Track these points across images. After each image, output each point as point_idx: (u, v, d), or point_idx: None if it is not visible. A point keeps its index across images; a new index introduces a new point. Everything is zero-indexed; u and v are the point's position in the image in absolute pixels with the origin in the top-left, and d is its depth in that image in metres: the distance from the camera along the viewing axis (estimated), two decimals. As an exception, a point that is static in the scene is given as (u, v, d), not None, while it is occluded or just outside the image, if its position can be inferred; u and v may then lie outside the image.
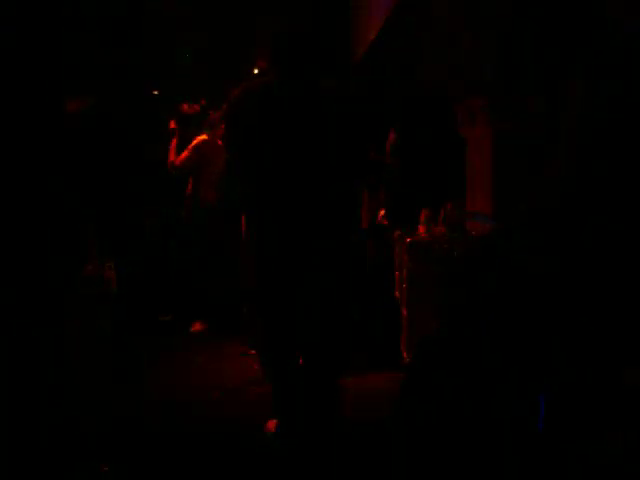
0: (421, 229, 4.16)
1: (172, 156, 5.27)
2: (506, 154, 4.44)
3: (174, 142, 5.33)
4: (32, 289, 0.74)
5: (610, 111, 1.53)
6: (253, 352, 4.46)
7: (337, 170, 2.77)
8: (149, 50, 7.06)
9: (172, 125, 5.39)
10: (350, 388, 3.62)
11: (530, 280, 1.62)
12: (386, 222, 4.44)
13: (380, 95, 3.03)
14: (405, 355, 3.89)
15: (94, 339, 2.58)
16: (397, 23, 6.49)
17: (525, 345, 1.67)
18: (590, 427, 1.63)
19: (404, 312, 3.93)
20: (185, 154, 5.23)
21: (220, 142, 5.12)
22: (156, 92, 7.59)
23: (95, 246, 4.26)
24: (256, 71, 2.99)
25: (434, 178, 5.04)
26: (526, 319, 1.64)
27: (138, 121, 5.56)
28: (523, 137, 4.42)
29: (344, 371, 3.03)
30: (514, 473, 2.22)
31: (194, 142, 5.28)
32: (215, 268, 5.40)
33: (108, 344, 1.03)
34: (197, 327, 5.33)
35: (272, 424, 2.86)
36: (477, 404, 1.69)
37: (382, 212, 4.72)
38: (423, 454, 1.66)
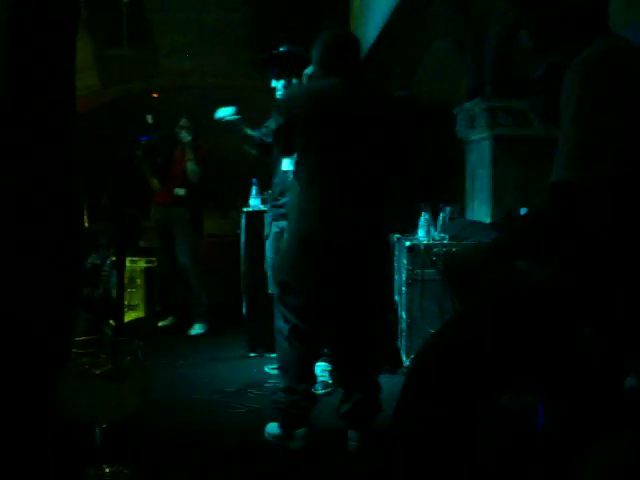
0: (420, 233, 4.17)
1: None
2: (505, 159, 4.45)
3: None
4: (36, 288, 0.75)
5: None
6: (253, 355, 4.47)
7: (389, 173, 2.84)
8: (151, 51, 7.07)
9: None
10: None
11: (530, 287, 1.62)
12: None
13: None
14: (405, 359, 3.90)
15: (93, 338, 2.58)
16: (396, 28, 6.51)
17: (526, 349, 1.67)
18: (591, 431, 1.64)
19: (404, 316, 3.93)
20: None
21: None
22: (155, 95, 7.60)
23: (94, 243, 4.26)
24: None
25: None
26: (526, 323, 1.64)
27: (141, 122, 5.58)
28: (522, 141, 4.45)
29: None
30: (515, 475, 2.22)
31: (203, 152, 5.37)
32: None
33: (107, 344, 1.04)
34: (197, 329, 5.34)
35: (272, 427, 2.87)
36: (477, 407, 1.69)
37: None
38: (424, 458, 1.66)
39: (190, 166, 5.26)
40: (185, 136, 5.29)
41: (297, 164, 2.82)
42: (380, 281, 2.91)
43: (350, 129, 2.70)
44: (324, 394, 3.56)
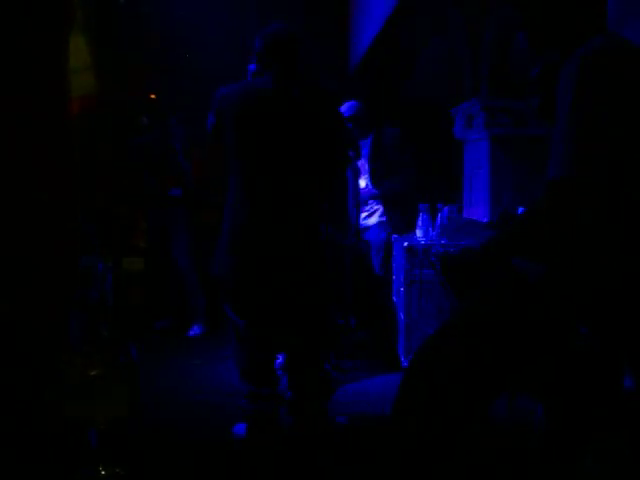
0: (418, 233, 4.16)
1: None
2: (503, 159, 4.45)
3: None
4: (31, 290, 0.74)
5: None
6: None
7: (318, 172, 2.83)
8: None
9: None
10: (347, 393, 3.62)
11: (526, 284, 1.62)
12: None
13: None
14: (403, 359, 3.89)
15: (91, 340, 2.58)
16: (394, 27, 6.50)
17: (522, 347, 1.67)
18: (589, 431, 1.63)
19: (401, 316, 3.93)
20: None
21: None
22: (153, 96, 7.59)
23: (92, 244, 4.25)
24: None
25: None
26: (523, 321, 1.64)
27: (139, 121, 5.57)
28: (520, 141, 4.44)
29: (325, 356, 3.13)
30: (513, 476, 2.22)
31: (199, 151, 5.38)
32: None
33: (102, 345, 1.03)
34: (195, 330, 5.33)
35: (240, 428, 2.87)
36: (475, 406, 1.69)
37: None
38: (421, 458, 1.66)
39: (184, 166, 5.27)
40: (175, 137, 5.31)
41: (228, 163, 2.80)
42: (316, 281, 2.85)
43: (277, 128, 2.69)
44: None
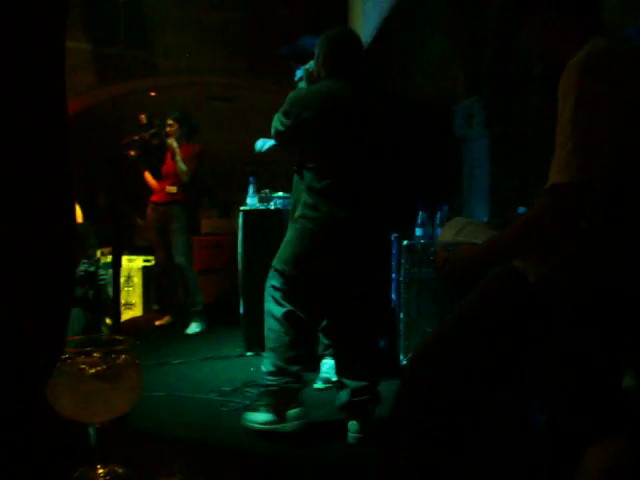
0: (417, 232, 4.16)
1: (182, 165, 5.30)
2: (503, 157, 4.45)
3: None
4: (30, 287, 0.74)
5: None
6: (250, 353, 4.46)
7: (390, 171, 2.99)
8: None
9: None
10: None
11: (526, 286, 1.62)
12: None
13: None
14: (402, 358, 3.89)
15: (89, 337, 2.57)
16: (393, 26, 6.50)
17: (522, 348, 1.67)
18: (589, 432, 1.63)
19: (401, 315, 3.93)
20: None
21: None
22: (153, 94, 7.59)
23: (91, 244, 4.25)
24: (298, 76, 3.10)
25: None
26: (522, 322, 1.64)
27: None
28: (520, 140, 4.44)
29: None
30: (513, 476, 2.22)
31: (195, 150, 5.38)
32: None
33: (102, 343, 1.03)
34: (193, 328, 5.33)
35: (258, 416, 2.89)
36: (474, 407, 1.69)
37: None
38: (421, 457, 1.66)
39: (178, 166, 5.27)
40: (169, 136, 5.32)
41: (308, 163, 2.87)
42: (382, 276, 2.98)
43: (357, 129, 2.79)
44: (324, 389, 3.58)
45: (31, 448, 0.84)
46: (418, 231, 4.14)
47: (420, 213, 4.17)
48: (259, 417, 2.88)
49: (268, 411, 2.86)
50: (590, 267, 1.56)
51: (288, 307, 2.87)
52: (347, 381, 2.88)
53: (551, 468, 1.77)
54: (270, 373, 2.87)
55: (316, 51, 2.91)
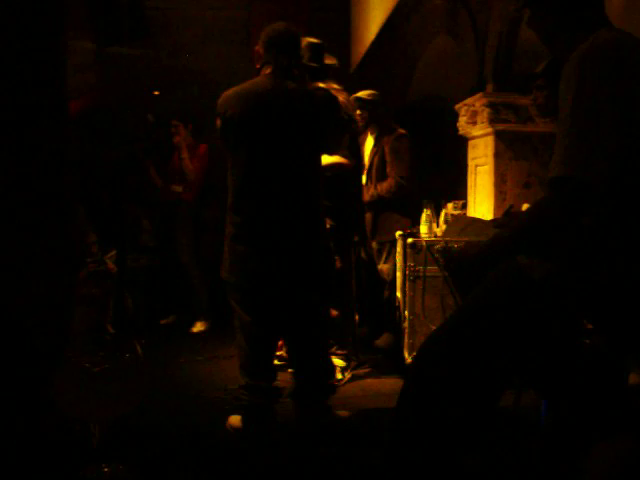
0: (422, 229, 4.15)
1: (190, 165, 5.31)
2: (507, 155, 4.44)
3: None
4: (33, 284, 0.74)
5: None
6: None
7: (315, 169, 2.88)
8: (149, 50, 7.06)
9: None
10: (351, 391, 3.62)
11: (531, 282, 1.61)
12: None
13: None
14: (406, 357, 3.88)
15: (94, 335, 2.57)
16: (397, 23, 6.49)
17: (527, 345, 1.66)
18: (594, 429, 1.63)
19: (405, 313, 3.92)
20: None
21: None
22: (157, 93, 7.59)
23: (94, 242, 4.26)
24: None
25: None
26: (527, 318, 1.63)
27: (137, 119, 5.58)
28: (525, 137, 4.43)
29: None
30: (518, 474, 2.21)
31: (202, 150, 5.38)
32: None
33: (107, 342, 1.03)
34: (198, 327, 5.34)
35: (235, 420, 2.89)
36: (479, 403, 1.68)
37: None
38: (425, 456, 1.65)
39: (185, 164, 5.27)
40: (175, 135, 5.33)
41: (231, 162, 2.84)
42: (318, 272, 2.90)
43: (274, 126, 2.73)
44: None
45: (37, 446, 0.84)
46: (422, 228, 4.13)
47: (424, 211, 4.16)
48: (234, 420, 2.91)
49: (241, 420, 2.88)
50: (594, 263, 1.55)
51: (244, 317, 2.86)
52: (296, 374, 2.93)
53: (557, 466, 1.76)
54: (241, 387, 2.91)
55: (256, 47, 2.92)
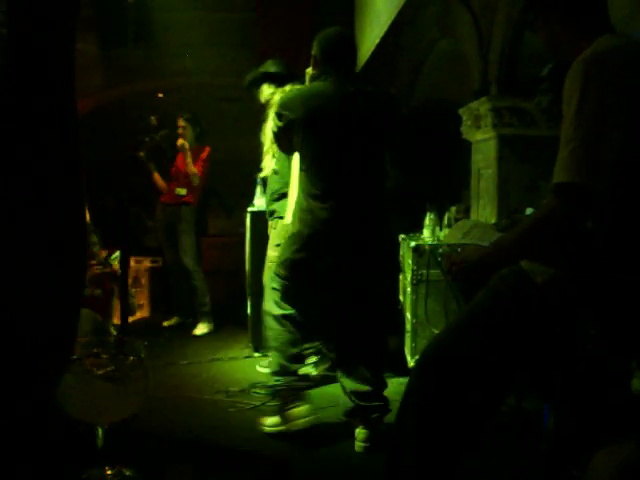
0: (425, 232, 4.16)
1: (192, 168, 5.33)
2: (511, 159, 4.43)
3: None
4: (41, 288, 0.74)
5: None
6: (257, 354, 4.47)
7: (384, 166, 2.92)
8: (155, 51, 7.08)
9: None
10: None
11: (534, 287, 1.61)
12: None
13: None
14: (409, 360, 3.88)
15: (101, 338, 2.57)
16: (401, 27, 6.49)
17: (530, 350, 1.66)
18: (597, 434, 1.63)
19: (408, 316, 3.92)
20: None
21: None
22: (161, 95, 7.61)
23: (95, 243, 4.26)
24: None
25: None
26: (530, 324, 1.63)
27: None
28: (528, 141, 4.43)
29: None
30: (521, 477, 2.21)
31: (205, 152, 5.39)
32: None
33: (110, 344, 1.03)
34: (200, 329, 5.34)
35: (271, 421, 2.90)
36: (482, 408, 1.68)
37: None
38: (428, 460, 1.65)
39: (189, 168, 5.29)
40: (180, 137, 5.33)
41: (301, 166, 2.88)
42: (382, 278, 2.93)
43: (343, 128, 2.76)
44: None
45: (42, 449, 0.84)
46: (425, 232, 4.14)
47: (428, 214, 4.16)
48: (268, 420, 2.90)
49: (276, 412, 2.88)
50: (597, 267, 1.55)
51: (287, 309, 2.88)
52: (347, 382, 2.86)
53: (560, 470, 1.76)
54: (275, 373, 2.90)
55: (312, 52, 2.93)
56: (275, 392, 2.90)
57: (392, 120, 2.88)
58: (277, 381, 2.88)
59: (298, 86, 3.32)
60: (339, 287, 2.87)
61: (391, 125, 2.88)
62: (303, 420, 2.84)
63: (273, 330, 2.92)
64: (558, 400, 1.81)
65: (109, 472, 1.00)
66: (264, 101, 3.99)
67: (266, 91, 3.97)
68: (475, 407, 1.66)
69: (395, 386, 3.45)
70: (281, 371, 2.88)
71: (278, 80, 3.89)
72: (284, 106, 2.83)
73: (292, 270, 2.85)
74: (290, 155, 3.23)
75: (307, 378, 2.94)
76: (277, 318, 2.89)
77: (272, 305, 2.92)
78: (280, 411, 2.87)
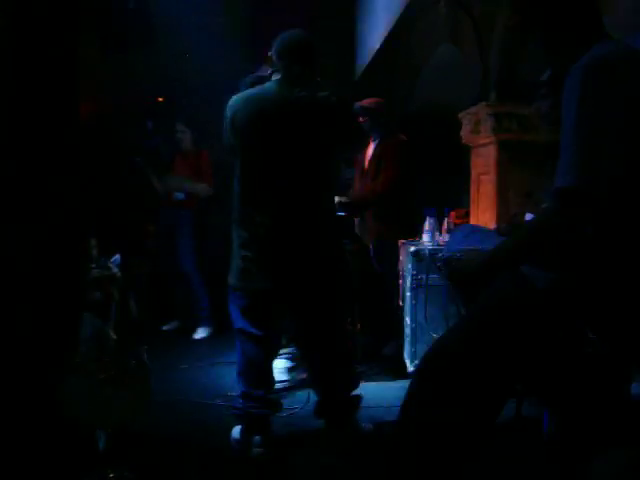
0: (424, 237, 4.16)
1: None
2: (510, 164, 4.44)
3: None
4: (42, 292, 0.74)
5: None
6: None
7: (326, 177, 2.84)
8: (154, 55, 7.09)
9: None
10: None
11: (534, 292, 1.61)
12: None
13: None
14: (408, 364, 3.88)
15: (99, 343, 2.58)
16: (400, 32, 6.51)
17: (530, 354, 1.66)
18: (597, 439, 1.63)
19: (408, 321, 3.92)
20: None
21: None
22: (161, 99, 7.62)
23: (96, 247, 4.26)
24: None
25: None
26: (531, 328, 1.64)
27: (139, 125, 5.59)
28: (528, 146, 4.44)
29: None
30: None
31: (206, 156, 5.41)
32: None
33: (112, 348, 1.03)
34: (200, 333, 5.34)
35: (236, 431, 2.89)
36: (482, 413, 1.68)
37: None
38: (427, 465, 1.65)
39: (200, 189, 5.30)
40: (180, 141, 5.35)
41: (236, 167, 2.83)
42: (333, 281, 2.85)
43: (279, 131, 2.69)
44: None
45: (44, 450, 0.85)
46: (425, 237, 4.14)
47: (427, 219, 4.16)
48: (234, 432, 2.89)
49: (239, 431, 2.86)
50: (597, 272, 1.56)
51: (246, 325, 2.83)
52: (318, 390, 2.89)
53: (559, 476, 1.76)
54: (238, 396, 2.88)
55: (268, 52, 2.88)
56: (234, 415, 2.89)
57: (336, 130, 2.77)
58: (240, 404, 2.86)
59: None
60: (287, 299, 2.82)
61: (334, 135, 2.78)
62: (257, 450, 2.77)
63: (239, 354, 2.90)
64: (558, 405, 1.81)
65: (111, 475, 1.01)
66: None
67: None
68: (475, 412, 1.66)
69: (395, 391, 3.46)
70: (242, 395, 2.85)
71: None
72: (229, 107, 2.79)
73: (240, 280, 2.80)
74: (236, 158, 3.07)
75: (269, 404, 2.88)
76: (240, 337, 2.86)
77: (235, 322, 2.89)
78: (241, 433, 2.84)
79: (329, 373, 2.87)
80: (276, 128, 2.70)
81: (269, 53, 2.85)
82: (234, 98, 2.83)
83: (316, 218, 2.78)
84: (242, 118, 2.73)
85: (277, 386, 3.41)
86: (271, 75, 2.85)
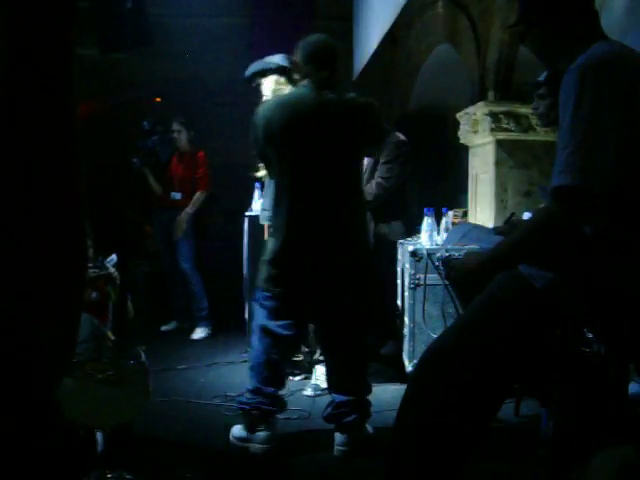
0: (423, 237, 4.15)
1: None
2: (508, 163, 4.45)
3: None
4: (37, 289, 0.75)
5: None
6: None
7: (357, 178, 2.90)
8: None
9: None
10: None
11: (532, 291, 1.61)
12: None
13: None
14: (406, 364, 3.88)
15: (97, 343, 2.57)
16: (398, 32, 6.51)
17: (528, 354, 1.67)
18: (595, 437, 1.63)
19: (406, 320, 3.92)
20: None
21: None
22: (158, 99, 7.62)
23: (90, 246, 4.26)
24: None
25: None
26: (529, 328, 1.64)
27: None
28: (525, 146, 4.44)
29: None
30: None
31: (202, 156, 5.41)
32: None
33: (110, 348, 1.03)
34: (198, 334, 5.34)
35: (236, 429, 2.88)
36: (481, 412, 1.69)
37: None
38: (426, 465, 1.65)
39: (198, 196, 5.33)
40: (176, 141, 5.37)
41: (273, 173, 2.85)
42: (363, 287, 2.88)
43: (316, 138, 2.72)
44: (314, 396, 3.60)
45: (41, 452, 0.84)
46: (423, 236, 4.13)
47: (425, 219, 4.16)
48: (235, 430, 2.89)
49: (243, 427, 2.85)
50: (595, 271, 1.56)
51: (272, 324, 2.83)
52: (333, 393, 2.87)
53: (557, 475, 1.76)
54: (248, 391, 2.87)
55: (295, 57, 2.91)
56: (242, 410, 2.88)
57: (366, 131, 2.83)
58: (248, 399, 2.85)
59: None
60: (318, 302, 2.84)
61: (364, 136, 2.84)
62: (261, 446, 2.78)
63: (254, 349, 2.89)
64: (556, 404, 1.81)
65: (109, 475, 1.00)
66: (269, 93, 3.87)
67: (275, 83, 3.86)
68: (473, 411, 1.66)
69: (393, 390, 3.46)
70: (252, 390, 2.84)
71: (287, 76, 3.80)
72: (260, 115, 2.80)
73: (273, 284, 2.81)
74: (267, 164, 3.07)
75: (277, 402, 2.89)
76: (259, 335, 2.85)
77: (258, 320, 2.89)
78: (245, 429, 2.84)
79: (349, 375, 2.87)
80: (316, 130, 2.73)
81: (294, 58, 2.89)
82: (264, 106, 2.85)
83: (350, 222, 2.82)
84: (278, 123, 2.74)
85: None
86: (297, 80, 2.87)
